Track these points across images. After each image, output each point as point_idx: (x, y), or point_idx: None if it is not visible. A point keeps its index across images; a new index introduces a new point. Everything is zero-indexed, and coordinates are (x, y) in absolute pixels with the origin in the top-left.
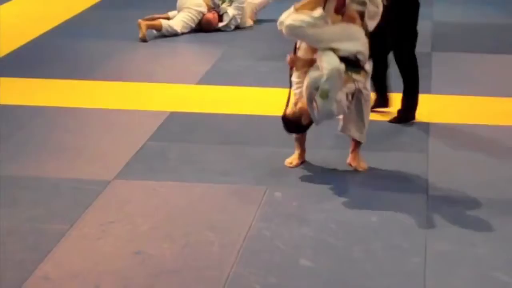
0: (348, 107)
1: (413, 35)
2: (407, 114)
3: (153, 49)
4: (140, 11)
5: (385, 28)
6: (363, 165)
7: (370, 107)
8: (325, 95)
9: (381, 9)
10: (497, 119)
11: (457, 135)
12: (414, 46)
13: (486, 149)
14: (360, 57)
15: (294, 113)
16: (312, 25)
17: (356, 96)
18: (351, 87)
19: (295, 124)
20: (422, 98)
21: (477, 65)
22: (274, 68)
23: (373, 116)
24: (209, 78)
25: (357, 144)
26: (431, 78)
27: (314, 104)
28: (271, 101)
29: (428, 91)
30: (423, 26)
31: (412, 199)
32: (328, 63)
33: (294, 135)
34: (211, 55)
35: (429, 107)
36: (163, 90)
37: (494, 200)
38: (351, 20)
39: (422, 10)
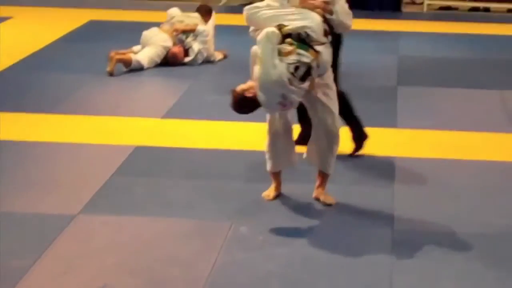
0: (296, 92)
1: (335, 68)
2: (358, 141)
3: (119, 82)
4: (106, 45)
5: None
6: (329, 199)
7: (339, 138)
8: (259, 61)
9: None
10: (462, 153)
11: (422, 169)
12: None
13: (451, 183)
14: (310, 33)
15: (242, 88)
16: (267, 8)
17: (323, 126)
18: (293, 59)
19: (240, 99)
20: (388, 132)
21: (443, 99)
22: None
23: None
24: (175, 112)
25: (324, 177)
26: (397, 112)
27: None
28: (237, 135)
29: (394, 125)
30: (389, 61)
31: (378, 234)
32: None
33: (270, 171)
34: (177, 89)
35: (395, 141)
36: (128, 124)
37: (458, 234)
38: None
39: (389, 44)
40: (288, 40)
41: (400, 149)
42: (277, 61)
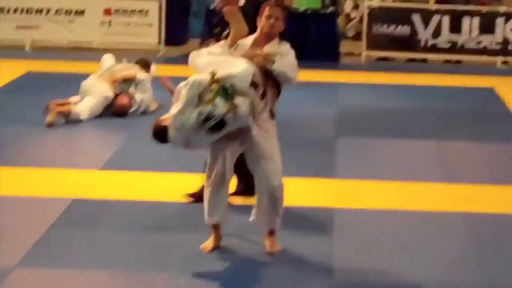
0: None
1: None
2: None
3: (56, 134)
4: (44, 96)
5: None
6: (276, 248)
7: (282, 192)
8: (179, 101)
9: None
10: (400, 204)
11: (361, 220)
12: None
13: (388, 234)
14: (234, 84)
15: (163, 118)
16: (207, 54)
17: (265, 180)
18: (207, 110)
19: (156, 127)
20: (326, 183)
21: (381, 150)
22: (179, 153)
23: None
24: (113, 164)
25: (271, 232)
26: (335, 162)
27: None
28: (175, 186)
29: (332, 175)
30: (328, 111)
31: (317, 284)
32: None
33: (209, 223)
34: (115, 140)
35: (333, 192)
36: (66, 176)
37: (397, 285)
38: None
39: (327, 95)
40: (213, 87)
41: (339, 199)
42: (191, 108)
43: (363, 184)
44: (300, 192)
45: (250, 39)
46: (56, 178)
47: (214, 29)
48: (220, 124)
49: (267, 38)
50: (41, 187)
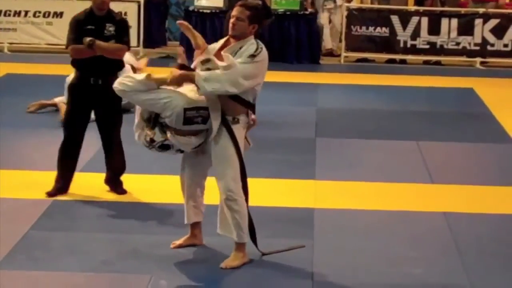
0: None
1: None
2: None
3: (37, 136)
4: (24, 98)
5: None
6: (229, 263)
7: (244, 208)
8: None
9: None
10: (381, 205)
11: (341, 220)
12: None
13: (369, 234)
14: (166, 123)
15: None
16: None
17: (220, 190)
18: (149, 132)
19: None
20: (306, 184)
21: (361, 151)
22: (159, 155)
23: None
24: (93, 165)
25: (236, 244)
26: (315, 164)
27: None
28: (155, 188)
29: (312, 176)
30: (308, 112)
31: (298, 285)
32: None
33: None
34: (96, 142)
35: (314, 193)
36: (46, 178)
37: (377, 285)
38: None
39: (307, 96)
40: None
41: (319, 200)
42: (140, 125)
43: (344, 184)
44: (281, 193)
45: (220, 42)
46: (35, 179)
47: None
48: (165, 146)
49: (234, 39)
50: (20, 189)
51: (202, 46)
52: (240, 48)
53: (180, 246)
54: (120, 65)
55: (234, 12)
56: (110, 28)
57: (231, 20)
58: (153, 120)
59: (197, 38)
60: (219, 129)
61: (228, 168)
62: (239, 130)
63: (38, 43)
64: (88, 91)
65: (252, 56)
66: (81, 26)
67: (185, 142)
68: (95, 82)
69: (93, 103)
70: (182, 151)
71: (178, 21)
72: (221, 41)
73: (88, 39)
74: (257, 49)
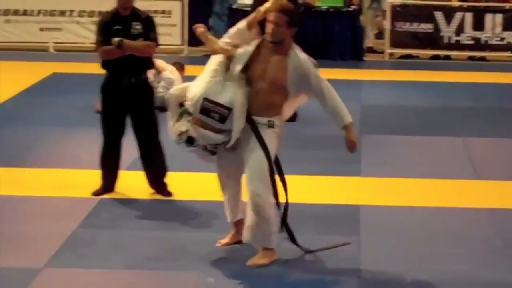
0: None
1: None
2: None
3: (81, 135)
4: (70, 97)
5: None
6: (254, 261)
7: (271, 213)
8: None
9: None
10: (427, 201)
11: (387, 217)
12: None
13: (415, 231)
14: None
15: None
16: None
17: (248, 194)
18: (176, 125)
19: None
20: (352, 181)
21: (406, 147)
22: None
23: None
24: (138, 164)
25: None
26: (360, 160)
27: None
28: (199, 186)
29: (358, 173)
30: (352, 109)
31: (344, 282)
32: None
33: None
34: None
35: (359, 190)
36: (92, 176)
37: (425, 282)
38: None
39: (351, 93)
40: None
41: (364, 197)
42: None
43: (389, 181)
44: (326, 189)
45: (252, 45)
46: (81, 178)
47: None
48: (190, 140)
49: (272, 44)
50: (66, 187)
51: (220, 51)
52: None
53: (226, 245)
54: (150, 63)
55: (272, 17)
56: (137, 27)
57: (270, 26)
58: (180, 110)
59: (212, 43)
60: (248, 132)
61: (255, 173)
62: (272, 133)
63: (83, 42)
64: (121, 91)
65: (316, 67)
66: (108, 27)
67: (204, 135)
68: (127, 82)
69: (127, 102)
70: (208, 150)
71: (194, 26)
72: (254, 44)
73: (116, 39)
74: (312, 61)
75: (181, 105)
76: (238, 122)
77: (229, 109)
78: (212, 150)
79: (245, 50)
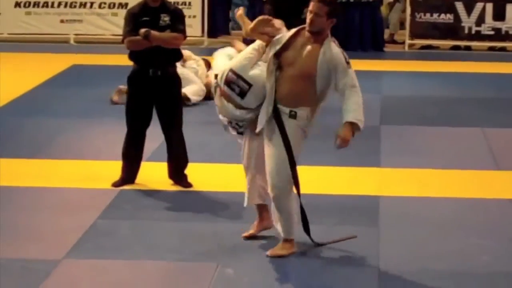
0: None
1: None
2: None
3: (101, 126)
4: (90, 89)
5: None
6: (275, 251)
7: (291, 205)
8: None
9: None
10: (446, 192)
11: (407, 207)
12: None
13: (435, 222)
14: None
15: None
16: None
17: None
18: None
19: None
20: (371, 172)
21: (426, 138)
22: (225, 143)
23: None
24: (159, 155)
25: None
26: (380, 151)
27: None
28: (220, 177)
29: (377, 164)
30: (372, 100)
31: (364, 273)
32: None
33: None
34: (161, 132)
35: (379, 180)
36: (112, 168)
37: (443, 273)
38: None
39: (371, 84)
40: None
41: (384, 188)
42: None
43: (409, 172)
44: (346, 180)
45: (290, 32)
46: (101, 169)
47: None
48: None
49: (311, 34)
50: (87, 179)
51: (256, 36)
52: (320, 49)
53: (252, 235)
54: (178, 55)
55: (312, 7)
56: (165, 18)
57: (309, 16)
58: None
59: (246, 25)
60: (271, 121)
61: (275, 165)
62: (294, 125)
63: (103, 34)
64: (148, 82)
65: (347, 63)
66: (136, 18)
67: (225, 106)
68: (154, 74)
69: (153, 94)
70: (233, 126)
71: (236, 9)
72: (292, 31)
73: (143, 30)
74: (344, 56)
75: None
76: (264, 109)
77: (250, 85)
78: (236, 127)
79: (282, 36)
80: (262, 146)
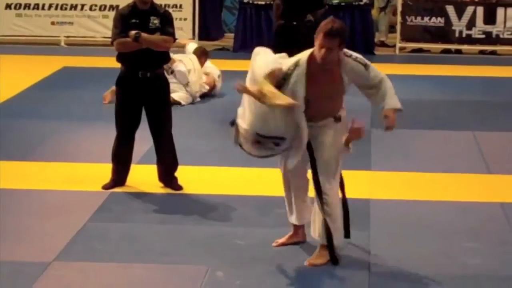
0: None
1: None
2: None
3: (91, 129)
4: (80, 91)
5: None
6: (312, 261)
7: (338, 211)
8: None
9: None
10: (437, 195)
11: (397, 211)
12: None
13: (425, 225)
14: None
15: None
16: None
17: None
18: None
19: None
20: (362, 175)
21: (416, 141)
22: (215, 146)
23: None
24: (149, 158)
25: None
26: (371, 154)
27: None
28: (210, 180)
29: (368, 167)
30: (362, 103)
31: (355, 276)
32: None
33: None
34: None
35: (369, 184)
36: (102, 170)
37: (435, 276)
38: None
39: None
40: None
41: (375, 191)
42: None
43: (400, 175)
44: None
45: (302, 65)
46: (91, 172)
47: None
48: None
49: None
50: (77, 181)
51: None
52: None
53: (283, 244)
54: (167, 57)
55: (323, 42)
56: (155, 21)
57: (321, 51)
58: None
59: (258, 91)
60: (316, 129)
61: (324, 171)
62: (340, 127)
63: (94, 36)
64: (137, 85)
65: (365, 65)
66: (126, 20)
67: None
68: (143, 76)
69: (142, 96)
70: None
71: (235, 85)
72: (303, 64)
73: (133, 32)
74: (360, 61)
75: None
76: (298, 150)
77: (283, 138)
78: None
79: (297, 74)
80: (302, 161)
